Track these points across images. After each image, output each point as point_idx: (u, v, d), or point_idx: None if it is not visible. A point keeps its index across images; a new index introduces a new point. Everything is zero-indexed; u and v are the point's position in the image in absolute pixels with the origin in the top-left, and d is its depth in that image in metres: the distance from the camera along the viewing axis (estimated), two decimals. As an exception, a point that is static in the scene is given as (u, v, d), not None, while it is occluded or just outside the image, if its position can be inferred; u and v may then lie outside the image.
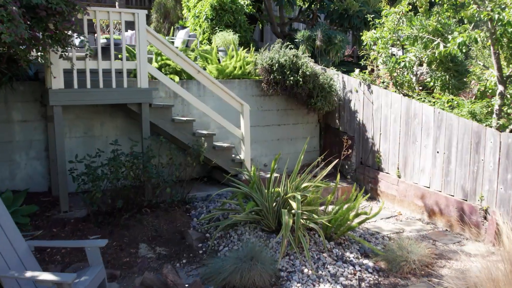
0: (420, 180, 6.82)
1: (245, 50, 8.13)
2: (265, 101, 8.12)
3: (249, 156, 6.91)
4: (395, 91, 7.48)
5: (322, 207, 5.84)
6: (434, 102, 6.83)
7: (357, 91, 7.98)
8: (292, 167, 8.43)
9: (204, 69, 7.87)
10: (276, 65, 7.50)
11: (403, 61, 7.13)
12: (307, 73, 7.51)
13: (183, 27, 11.59)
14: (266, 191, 5.50)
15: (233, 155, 7.09)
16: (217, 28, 9.96)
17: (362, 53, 12.37)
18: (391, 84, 7.68)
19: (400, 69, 7.26)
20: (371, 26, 11.27)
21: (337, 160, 8.31)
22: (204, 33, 10.31)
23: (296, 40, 10.10)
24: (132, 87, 6.17)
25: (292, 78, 7.48)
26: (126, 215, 5.54)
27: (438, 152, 6.51)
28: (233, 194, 5.72)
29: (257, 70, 7.90)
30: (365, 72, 12.53)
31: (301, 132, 8.59)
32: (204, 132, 6.77)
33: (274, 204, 5.40)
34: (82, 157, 5.65)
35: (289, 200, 5.18)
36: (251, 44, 10.57)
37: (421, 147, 6.80)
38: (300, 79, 7.52)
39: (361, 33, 11.63)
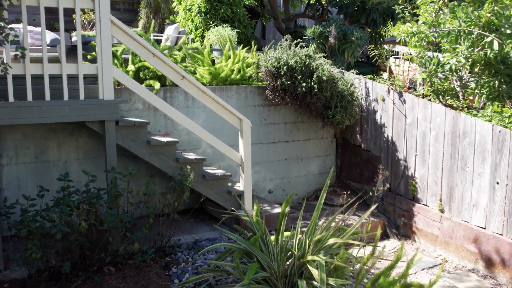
0: (472, 218, 5.24)
1: (245, 50, 6.56)
2: (270, 113, 6.54)
3: (250, 185, 5.33)
4: (433, 100, 5.90)
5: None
6: (490, 117, 5.25)
7: (384, 100, 6.39)
8: (302, 193, 6.87)
9: (194, 73, 6.28)
10: (285, 67, 5.91)
11: (447, 63, 5.54)
12: (324, 78, 5.93)
13: (174, 23, 10.02)
14: (273, 243, 3.93)
15: (229, 184, 5.52)
16: (211, 23, 8.38)
17: (373, 53, 10.84)
18: (421, 88, 6.09)
19: (443, 74, 5.67)
20: (398, 20, 9.71)
21: (359, 186, 6.75)
22: (196, 29, 8.73)
23: (306, 37, 8.53)
24: (93, 98, 4.61)
25: (304, 84, 5.89)
26: (79, 279, 3.97)
27: (498, 182, 4.94)
28: (226, 250, 4.12)
29: (260, 74, 6.32)
30: (381, 76, 10.95)
31: (314, 149, 7.01)
32: (191, 156, 5.18)
33: (287, 265, 3.84)
34: (33, 189, 4.09)
35: (308, 265, 3.59)
36: (252, 42, 9.01)
37: (473, 175, 5.22)
38: (315, 85, 5.93)
39: (379, 30, 10.10)
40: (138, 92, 4.66)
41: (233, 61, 6.30)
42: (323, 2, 10.25)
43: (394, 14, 9.36)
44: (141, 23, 12.38)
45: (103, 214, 4.04)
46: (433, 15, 6.06)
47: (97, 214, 4.04)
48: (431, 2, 6.13)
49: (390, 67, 9.48)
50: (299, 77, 5.91)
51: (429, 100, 5.97)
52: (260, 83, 6.36)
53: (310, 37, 8.43)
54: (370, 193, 6.59)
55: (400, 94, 6.12)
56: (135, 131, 4.76)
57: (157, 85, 5.63)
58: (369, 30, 10.01)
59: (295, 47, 6.20)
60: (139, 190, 4.41)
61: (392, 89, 6.23)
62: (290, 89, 6.00)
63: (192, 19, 8.76)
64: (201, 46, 6.58)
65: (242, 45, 8.90)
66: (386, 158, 6.41)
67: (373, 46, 11.05)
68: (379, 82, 6.44)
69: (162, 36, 9.21)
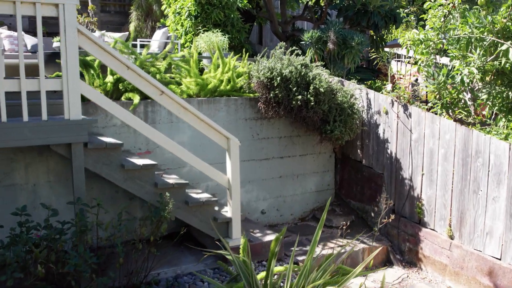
0: (486, 247, 4.70)
1: (235, 58, 6.02)
2: (262, 126, 6.00)
3: (239, 211, 4.80)
4: (441, 113, 5.36)
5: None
6: (506, 135, 4.71)
7: (387, 114, 5.85)
8: (299, 213, 6.34)
9: (179, 84, 5.74)
10: (278, 78, 5.37)
11: (458, 74, 4.99)
12: (321, 90, 5.38)
13: (164, 26, 9.49)
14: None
15: (216, 208, 4.99)
16: (200, 28, 7.85)
17: (373, 56, 10.27)
18: (424, 96, 5.56)
19: (453, 85, 5.11)
20: (400, 24, 9.15)
21: (359, 205, 6.21)
22: (186, 34, 8.20)
23: (302, 42, 8.00)
24: (59, 116, 4.08)
25: (300, 97, 5.35)
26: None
27: (516, 209, 4.41)
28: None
29: (251, 85, 5.78)
30: (383, 82, 10.39)
31: (311, 165, 6.46)
32: (172, 180, 4.64)
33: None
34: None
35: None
36: (246, 48, 8.47)
37: (487, 200, 4.68)
38: (311, 98, 5.39)
39: (381, 33, 9.55)
40: (109, 110, 4.13)
41: (222, 71, 5.76)
42: (322, 4, 9.71)
43: (397, 17, 8.83)
44: (132, 26, 11.86)
45: (64, 255, 3.51)
46: (442, 19, 5.51)
47: (58, 254, 3.51)
48: (439, 6, 5.59)
49: (391, 72, 8.96)
50: (294, 89, 5.37)
51: (436, 112, 5.43)
52: (251, 95, 5.82)
53: (307, 42, 7.89)
54: (372, 214, 6.05)
55: (405, 107, 5.58)
56: (108, 153, 4.22)
57: (136, 98, 5.09)
58: (371, 32, 9.46)
59: (290, 55, 5.65)
60: (108, 224, 3.86)
61: (396, 101, 5.69)
62: (284, 102, 5.46)
63: (181, 23, 8.23)
64: (189, 53, 6.04)
65: (234, 51, 8.37)
66: (390, 176, 5.87)
67: (373, 50, 10.55)
68: (381, 93, 5.90)
69: (150, 41, 8.68)
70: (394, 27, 9.86)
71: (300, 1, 9.56)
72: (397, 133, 5.73)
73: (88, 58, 5.38)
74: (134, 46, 9.11)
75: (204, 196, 4.84)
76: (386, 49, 11.28)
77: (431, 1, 5.52)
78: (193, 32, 8.01)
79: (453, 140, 5.01)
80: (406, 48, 5.24)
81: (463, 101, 5.37)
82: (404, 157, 5.65)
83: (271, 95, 5.44)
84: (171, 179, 4.72)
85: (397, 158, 5.75)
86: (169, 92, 4.31)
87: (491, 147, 4.62)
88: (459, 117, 5.28)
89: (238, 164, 4.72)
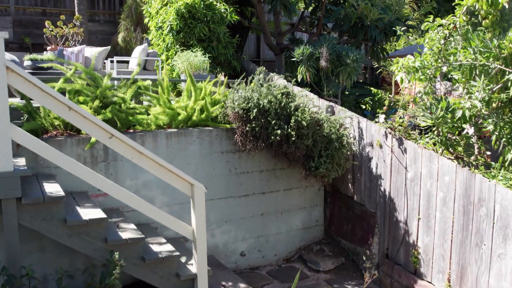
0: (491, 311, 4.06)
1: (212, 82, 5.42)
2: (241, 160, 5.39)
3: (206, 266, 4.19)
4: (439, 150, 4.72)
5: None
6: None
7: (381, 147, 5.22)
8: (283, 253, 5.74)
9: (148, 114, 5.15)
10: (255, 110, 4.75)
11: (459, 109, 4.34)
12: (304, 123, 4.76)
13: (148, 41, 8.93)
14: None
15: (183, 260, 4.40)
16: (183, 43, 7.26)
17: (375, 65, 9.61)
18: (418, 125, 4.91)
19: (452, 120, 4.45)
20: (402, 36, 8.52)
21: (350, 246, 5.58)
22: (168, 50, 7.60)
23: (294, 59, 7.38)
24: None
25: (279, 131, 4.73)
26: None
27: (525, 270, 3.76)
28: None
29: (227, 116, 5.17)
30: (386, 93, 9.67)
31: (297, 200, 5.84)
32: (127, 234, 4.05)
33: None
34: None
35: None
36: (233, 66, 7.89)
37: (491, 256, 4.04)
38: (293, 132, 4.77)
39: (382, 46, 8.89)
40: (42, 154, 3.54)
41: (195, 99, 5.17)
42: (317, 15, 9.07)
43: (387, 31, 8.16)
44: (120, 36, 11.30)
45: None
46: (442, 42, 4.87)
47: None
48: (439, 26, 4.95)
49: (396, 82, 8.31)
50: (273, 122, 4.76)
51: (435, 148, 4.78)
52: (228, 125, 5.22)
53: (298, 59, 7.28)
54: (364, 257, 5.41)
55: (400, 141, 4.94)
56: (47, 207, 3.64)
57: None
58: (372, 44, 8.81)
59: (269, 83, 5.04)
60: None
61: (390, 133, 5.05)
62: (262, 136, 4.85)
63: (163, 38, 7.65)
64: (162, 75, 5.45)
65: (221, 68, 7.78)
66: (383, 217, 5.24)
67: (374, 61, 9.88)
68: (375, 122, 5.26)
69: (128, 59, 8.13)
70: (395, 39, 9.21)
71: (293, 13, 8.92)
72: (391, 169, 5.09)
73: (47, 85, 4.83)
74: (122, 62, 8.58)
75: (166, 249, 4.24)
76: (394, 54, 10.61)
77: (429, 22, 4.87)
78: (175, 49, 7.42)
79: (453, 184, 4.37)
80: (400, 77, 4.59)
81: (468, 137, 4.71)
82: (399, 197, 5.01)
83: (248, 128, 4.83)
84: (127, 230, 4.13)
85: (391, 198, 5.11)
86: (120, 135, 3.72)
87: (497, 195, 3.97)
88: (461, 154, 4.63)
89: (204, 213, 4.12)
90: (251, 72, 8.31)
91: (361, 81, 13.45)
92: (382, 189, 5.23)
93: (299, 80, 7.42)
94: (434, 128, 4.60)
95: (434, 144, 4.73)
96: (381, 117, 5.06)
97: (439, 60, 4.78)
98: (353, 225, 5.64)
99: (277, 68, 9.63)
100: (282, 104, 4.82)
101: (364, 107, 9.99)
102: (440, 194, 4.52)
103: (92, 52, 8.50)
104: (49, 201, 3.62)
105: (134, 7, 11.53)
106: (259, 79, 5.10)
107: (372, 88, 9.78)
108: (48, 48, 9.78)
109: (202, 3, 7.36)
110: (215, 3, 7.55)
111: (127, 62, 8.61)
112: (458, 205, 4.34)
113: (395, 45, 12.29)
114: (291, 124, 4.76)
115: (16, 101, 5.15)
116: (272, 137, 4.75)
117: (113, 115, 4.68)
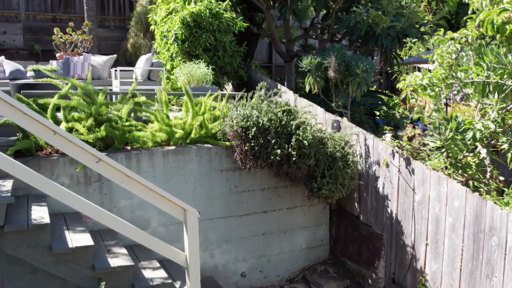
0: None
1: (213, 97, 5.24)
2: (242, 178, 5.20)
3: (200, 295, 4.00)
4: (448, 173, 4.45)
5: None
6: (528, 209, 3.78)
7: (388, 166, 4.97)
8: (286, 273, 5.54)
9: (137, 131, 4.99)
10: (253, 129, 4.55)
11: (470, 129, 4.07)
12: (305, 142, 4.54)
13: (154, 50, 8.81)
14: None
15: (176, 284, 4.22)
16: (183, 55, 7.10)
17: (391, 71, 9.27)
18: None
19: (463, 142, 4.18)
20: (415, 42, 8.24)
21: (356, 267, 5.34)
22: (173, 60, 7.46)
23: (301, 69, 7.17)
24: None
25: (279, 151, 4.52)
26: None
27: (539, 308, 3.48)
28: None
29: (226, 134, 4.98)
30: (397, 102, 9.37)
31: (301, 219, 5.62)
32: (115, 263, 3.88)
33: None
34: None
35: None
36: (240, 75, 7.70)
37: (503, 288, 3.77)
38: (293, 152, 4.55)
39: (395, 53, 8.60)
40: (29, 182, 3.38)
41: (192, 116, 4.99)
42: (327, 22, 8.82)
43: (410, 36, 7.86)
44: (130, 43, 11.22)
45: None
46: (453, 56, 4.60)
47: None
48: (450, 40, 4.68)
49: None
50: (272, 141, 4.55)
51: (444, 170, 4.51)
52: (228, 143, 5.03)
53: (306, 69, 7.06)
54: (370, 281, 5.17)
55: (408, 161, 4.69)
56: (32, 235, 3.50)
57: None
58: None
59: (269, 99, 4.83)
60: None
61: (397, 152, 4.80)
62: (262, 155, 4.65)
63: (168, 47, 7.50)
64: (161, 89, 5.28)
65: (227, 77, 7.60)
66: (390, 240, 4.99)
67: (387, 66, 9.55)
68: (382, 140, 5.00)
69: (132, 69, 8.00)
70: (408, 47, 8.92)
71: (303, 21, 8.68)
72: (399, 190, 4.84)
73: (41, 101, 4.72)
74: (128, 71, 8.46)
75: (159, 275, 4.07)
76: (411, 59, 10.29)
77: (440, 35, 4.60)
78: (180, 58, 7.26)
79: (463, 209, 4.10)
80: (406, 97, 4.33)
81: (480, 160, 4.43)
82: (406, 220, 4.76)
83: (246, 147, 4.63)
84: (118, 256, 3.97)
85: (398, 220, 4.86)
86: (108, 159, 3.55)
87: (509, 225, 3.70)
88: (472, 177, 4.35)
89: (197, 239, 3.93)
90: (258, 81, 8.12)
91: (373, 88, 13.15)
92: (389, 210, 4.98)
93: (307, 91, 7.21)
94: (444, 150, 4.34)
95: (446, 168, 4.45)
96: (388, 136, 4.81)
97: (450, 77, 4.51)
98: (359, 246, 5.40)
99: (287, 75, 9.42)
100: (283, 122, 4.61)
101: (378, 113, 9.68)
102: (449, 220, 4.26)
103: (98, 60, 8.40)
104: (33, 228, 3.48)
105: (144, 13, 11.44)
106: (260, 95, 4.89)
107: (384, 97, 9.46)
108: (57, 55, 9.73)
109: (208, 11, 7.19)
110: (221, 11, 7.37)
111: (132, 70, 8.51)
112: (468, 232, 4.08)
113: (409, 50, 11.95)
114: (291, 143, 4.54)
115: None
116: (272, 157, 4.55)
117: (107, 133, 4.53)
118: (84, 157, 3.54)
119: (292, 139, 4.55)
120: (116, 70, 7.41)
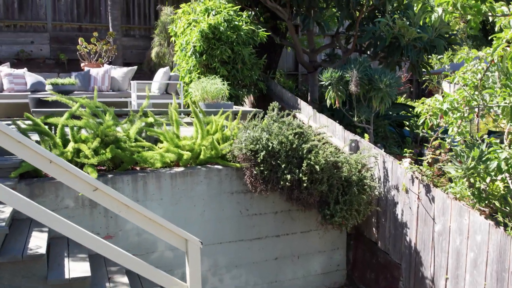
0: None
1: (224, 116, 5.07)
2: (253, 200, 5.01)
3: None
4: (472, 204, 4.12)
5: None
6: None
7: (407, 192, 4.68)
8: (299, 301, 5.26)
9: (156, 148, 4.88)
10: (262, 153, 4.35)
11: (495, 158, 3.74)
12: (317, 167, 4.31)
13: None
14: None
15: (180, 315, 4.06)
16: (201, 68, 6.97)
17: (423, 78, 8.83)
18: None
19: (486, 171, 3.85)
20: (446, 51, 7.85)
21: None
22: (190, 73, 7.34)
23: (322, 82, 6.93)
24: None
25: (289, 176, 4.30)
26: None
27: None
28: None
29: (236, 155, 4.80)
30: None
31: (316, 243, 5.39)
32: (115, 291, 3.77)
33: None
34: None
35: None
36: (260, 88, 7.52)
37: (529, 335, 3.44)
38: (304, 177, 4.33)
39: (423, 62, 8.23)
40: (26, 213, 3.29)
41: (202, 136, 4.84)
42: (352, 32, 8.53)
43: (438, 48, 7.49)
44: (154, 52, 11.21)
45: None
46: (478, 76, 4.27)
47: None
48: (475, 58, 4.36)
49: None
50: (283, 166, 4.34)
51: (468, 198, 4.18)
52: (238, 165, 4.84)
53: (327, 83, 6.81)
54: (387, 312, 4.89)
55: (428, 188, 4.38)
56: (27, 265, 3.41)
57: (93, 175, 4.26)
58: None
59: (281, 120, 4.62)
60: None
61: (416, 178, 4.50)
62: (272, 179, 4.44)
63: (187, 60, 7.40)
64: (171, 106, 5.16)
65: (247, 90, 7.43)
66: (408, 270, 4.69)
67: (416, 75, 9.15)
68: (402, 165, 4.70)
69: (150, 82, 7.93)
70: (437, 57, 8.51)
71: (327, 31, 8.43)
72: (418, 218, 4.54)
73: (50, 120, 4.67)
74: (146, 84, 8.42)
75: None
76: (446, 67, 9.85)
77: (463, 54, 4.28)
78: (197, 71, 7.14)
79: (486, 245, 3.79)
80: (425, 122, 4.04)
81: (507, 191, 4.08)
82: (426, 251, 4.45)
83: (256, 171, 4.43)
84: (118, 286, 3.85)
85: (417, 250, 4.56)
86: (105, 187, 3.43)
87: (536, 266, 3.38)
88: (496, 208, 4.01)
89: (199, 269, 3.77)
90: (279, 94, 7.94)
91: (403, 97, 12.70)
92: (407, 239, 4.69)
93: (328, 105, 6.96)
94: (465, 179, 4.02)
95: (471, 197, 4.13)
96: (406, 161, 4.51)
97: (473, 100, 4.18)
98: (377, 274, 5.12)
99: (310, 86, 9.17)
100: (294, 145, 4.40)
101: (407, 123, 9.29)
102: (471, 255, 3.94)
103: (118, 72, 8.39)
104: (28, 259, 3.39)
105: (168, 22, 11.41)
106: (271, 116, 4.69)
107: (411, 109, 9.07)
108: (82, 64, 9.81)
109: (226, 24, 7.04)
110: (240, 23, 7.21)
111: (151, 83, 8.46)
112: (491, 270, 3.75)
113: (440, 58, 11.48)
114: (303, 168, 4.32)
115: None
116: (282, 182, 4.33)
117: (113, 154, 4.43)
118: (80, 186, 3.43)
119: (303, 164, 4.33)
120: (134, 83, 7.36)
